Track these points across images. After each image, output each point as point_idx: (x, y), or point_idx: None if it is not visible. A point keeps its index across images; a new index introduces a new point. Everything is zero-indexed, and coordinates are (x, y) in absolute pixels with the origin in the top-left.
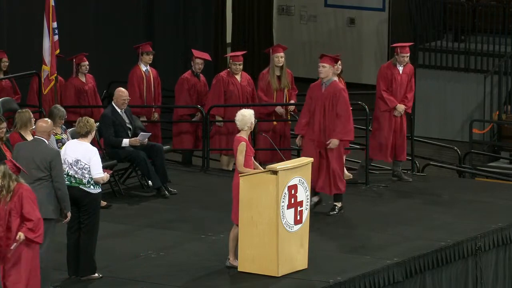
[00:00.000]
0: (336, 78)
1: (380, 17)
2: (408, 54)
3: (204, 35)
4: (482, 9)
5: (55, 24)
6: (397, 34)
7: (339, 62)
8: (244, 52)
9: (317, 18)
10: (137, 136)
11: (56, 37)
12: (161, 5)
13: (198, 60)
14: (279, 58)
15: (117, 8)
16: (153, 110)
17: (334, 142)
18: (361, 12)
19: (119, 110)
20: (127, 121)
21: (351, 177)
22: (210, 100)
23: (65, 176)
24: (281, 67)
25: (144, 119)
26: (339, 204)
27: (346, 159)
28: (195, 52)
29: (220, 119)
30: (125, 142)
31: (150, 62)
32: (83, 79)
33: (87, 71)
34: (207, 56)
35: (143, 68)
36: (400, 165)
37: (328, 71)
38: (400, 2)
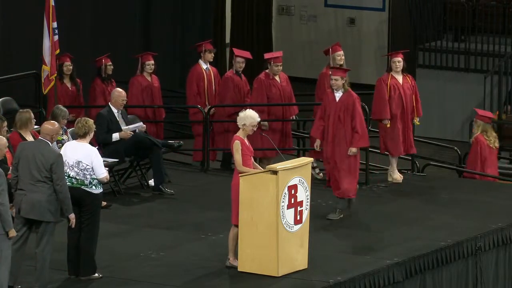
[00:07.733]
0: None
1: (380, 17)
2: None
3: (204, 35)
4: (482, 9)
5: (55, 24)
6: (397, 34)
7: (398, 59)
8: (281, 52)
9: (317, 18)
10: (136, 137)
11: (56, 37)
12: (159, 5)
13: (239, 59)
14: (341, 56)
15: (115, 7)
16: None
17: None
18: (361, 12)
19: (115, 111)
20: (121, 122)
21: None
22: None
23: (66, 177)
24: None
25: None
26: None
27: None
28: (236, 51)
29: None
30: (115, 136)
31: (212, 60)
32: (149, 79)
33: (151, 71)
34: (248, 55)
35: (204, 66)
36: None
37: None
38: (400, 2)
